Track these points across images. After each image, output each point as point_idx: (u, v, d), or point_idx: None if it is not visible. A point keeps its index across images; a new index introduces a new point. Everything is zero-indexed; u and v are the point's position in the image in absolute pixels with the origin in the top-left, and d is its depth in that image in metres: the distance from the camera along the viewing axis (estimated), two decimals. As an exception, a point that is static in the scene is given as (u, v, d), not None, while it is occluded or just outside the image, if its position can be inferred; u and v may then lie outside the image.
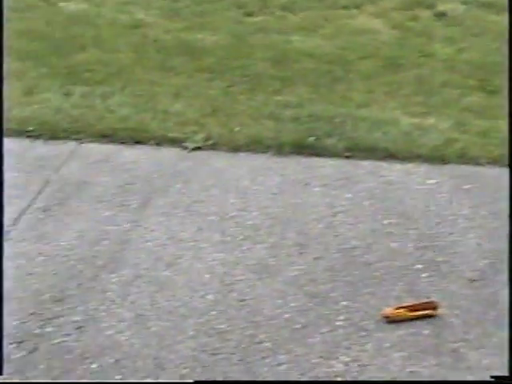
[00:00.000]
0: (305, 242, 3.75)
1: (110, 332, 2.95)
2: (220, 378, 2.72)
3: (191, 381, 2.44)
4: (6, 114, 4.99)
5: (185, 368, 2.76)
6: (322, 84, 6.00)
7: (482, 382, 2.56)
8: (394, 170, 4.68)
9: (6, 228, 3.65)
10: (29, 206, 3.96)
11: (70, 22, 7.29)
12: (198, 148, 4.85)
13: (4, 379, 2.39)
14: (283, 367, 2.79)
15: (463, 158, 4.68)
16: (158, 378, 2.70)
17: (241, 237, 3.77)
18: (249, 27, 7.30)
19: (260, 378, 2.73)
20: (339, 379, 2.73)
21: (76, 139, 4.89)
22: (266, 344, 2.93)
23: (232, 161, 4.73)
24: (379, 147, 4.88)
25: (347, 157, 4.83)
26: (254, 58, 6.48)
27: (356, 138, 4.99)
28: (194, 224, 3.88)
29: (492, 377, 2.55)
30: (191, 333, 2.98)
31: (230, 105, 5.55)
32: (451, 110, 5.35)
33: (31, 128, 4.93)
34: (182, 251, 3.60)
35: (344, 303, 3.23)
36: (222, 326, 3.03)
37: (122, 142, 4.90)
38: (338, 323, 3.08)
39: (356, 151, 4.86)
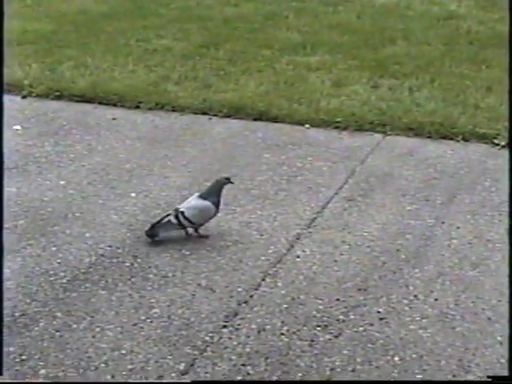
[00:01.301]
0: None
1: (412, 327, 2.90)
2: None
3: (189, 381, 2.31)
4: (315, 105, 5.25)
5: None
6: None
7: (482, 382, 2.37)
8: None
9: (312, 215, 3.79)
10: (335, 195, 4.05)
11: (381, 15, 7.37)
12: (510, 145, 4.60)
13: (4, 379, 2.41)
14: None
15: None
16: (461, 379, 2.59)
17: (555, 242, 3.49)
18: None
19: None
20: None
21: (381, 131, 4.91)
22: None
23: (546, 160, 4.41)
24: None
25: None
26: None
27: None
28: (502, 224, 3.68)
29: (491, 377, 2.39)
30: (499, 338, 2.82)
31: (547, 100, 5.19)
32: None
33: (339, 119, 5.04)
34: (490, 252, 3.43)
35: None
36: (534, 337, 2.83)
37: (428, 137, 4.82)
38: None
39: None
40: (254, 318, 2.96)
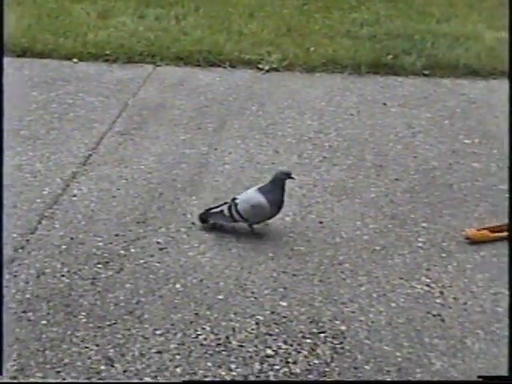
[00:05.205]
0: (383, 163, 3.70)
1: (191, 253, 3.00)
2: (303, 298, 2.75)
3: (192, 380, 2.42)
4: (81, 39, 5.11)
5: (266, 289, 2.79)
6: (399, -1, 5.81)
7: (482, 383, 2.47)
8: (476, 88, 4.53)
9: (87, 152, 3.75)
10: (108, 129, 4.02)
11: None
12: (274, 69, 4.80)
13: (4, 379, 2.43)
14: (363, 288, 2.80)
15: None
16: (239, 298, 2.74)
17: (318, 159, 3.75)
18: None
19: (340, 300, 2.74)
20: (420, 301, 2.72)
21: (152, 62, 4.92)
22: (346, 265, 2.93)
23: (308, 81, 4.67)
24: (460, 64, 4.72)
25: (426, 75, 4.70)
26: (329, -27, 6.30)
27: (436, 54, 4.85)
28: (270, 146, 3.87)
29: (492, 377, 2.47)
30: (270, 254, 3.00)
31: (305, 24, 5.45)
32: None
33: (108, 52, 4.97)
34: (260, 174, 3.61)
35: (424, 225, 3.19)
36: (302, 248, 3.04)
37: (197, 65, 4.90)
38: (418, 245, 3.06)
39: (436, 69, 4.73)
40: (32, 263, 2.91)
